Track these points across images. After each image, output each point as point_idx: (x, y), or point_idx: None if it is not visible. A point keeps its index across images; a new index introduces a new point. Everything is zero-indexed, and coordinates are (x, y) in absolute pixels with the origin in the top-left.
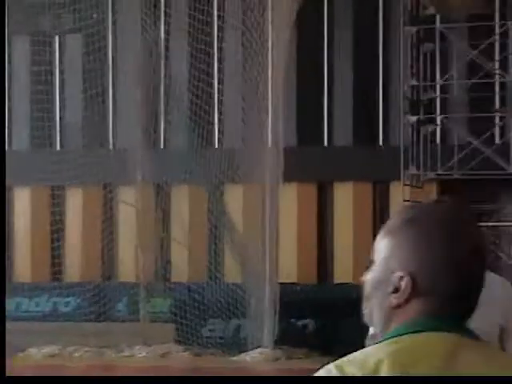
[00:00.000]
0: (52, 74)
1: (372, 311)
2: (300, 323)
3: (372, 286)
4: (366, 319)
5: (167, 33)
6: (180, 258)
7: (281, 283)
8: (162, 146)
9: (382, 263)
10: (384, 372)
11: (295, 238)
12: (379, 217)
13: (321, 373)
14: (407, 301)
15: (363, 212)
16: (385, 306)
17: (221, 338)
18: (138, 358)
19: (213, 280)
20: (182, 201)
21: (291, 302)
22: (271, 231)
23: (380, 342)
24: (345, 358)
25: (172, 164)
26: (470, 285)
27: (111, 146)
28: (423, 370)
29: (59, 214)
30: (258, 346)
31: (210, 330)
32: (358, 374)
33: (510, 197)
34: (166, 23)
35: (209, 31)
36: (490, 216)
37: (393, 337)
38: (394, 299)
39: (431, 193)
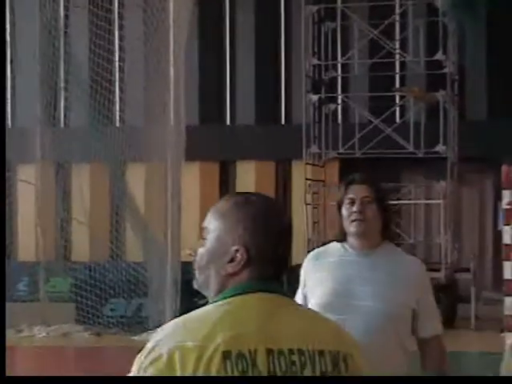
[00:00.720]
0: None
1: (209, 278)
2: (202, 302)
3: (209, 257)
4: (199, 285)
5: (67, 9)
6: (81, 237)
7: (183, 262)
8: (62, 125)
9: (217, 239)
10: (220, 334)
11: (198, 217)
12: (282, 195)
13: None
14: (241, 269)
15: (266, 190)
16: (221, 273)
17: (122, 317)
18: (38, 338)
19: (114, 259)
20: (83, 180)
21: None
22: (173, 210)
23: (214, 302)
24: (184, 329)
25: (73, 142)
26: (285, 253)
27: (9, 125)
28: (250, 328)
29: None
30: (160, 325)
31: (111, 310)
32: (196, 342)
33: (410, 175)
34: None
35: (109, 8)
36: (391, 194)
37: (224, 298)
38: (229, 268)
39: (333, 171)
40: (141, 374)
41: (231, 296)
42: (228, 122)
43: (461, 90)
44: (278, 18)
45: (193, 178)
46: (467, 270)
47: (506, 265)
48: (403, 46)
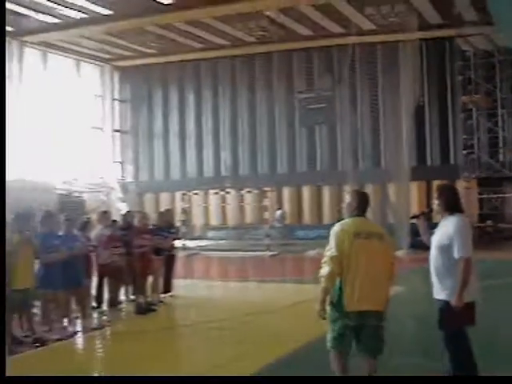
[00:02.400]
0: None
1: (347, 213)
2: (419, 239)
3: (347, 209)
4: (346, 215)
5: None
6: None
7: (411, 223)
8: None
9: (350, 204)
10: (351, 227)
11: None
12: None
13: (336, 225)
14: (353, 210)
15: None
16: (348, 212)
17: None
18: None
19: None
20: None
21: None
22: (405, 204)
23: (347, 218)
24: (343, 222)
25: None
26: (366, 204)
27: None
28: (358, 226)
29: None
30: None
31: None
32: (345, 227)
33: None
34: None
35: (376, 99)
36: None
37: (349, 217)
38: (352, 209)
39: (473, 185)
40: (335, 229)
41: (351, 217)
42: (429, 163)
43: None
44: (447, 118)
45: (413, 191)
46: None
47: None
48: (505, 129)
